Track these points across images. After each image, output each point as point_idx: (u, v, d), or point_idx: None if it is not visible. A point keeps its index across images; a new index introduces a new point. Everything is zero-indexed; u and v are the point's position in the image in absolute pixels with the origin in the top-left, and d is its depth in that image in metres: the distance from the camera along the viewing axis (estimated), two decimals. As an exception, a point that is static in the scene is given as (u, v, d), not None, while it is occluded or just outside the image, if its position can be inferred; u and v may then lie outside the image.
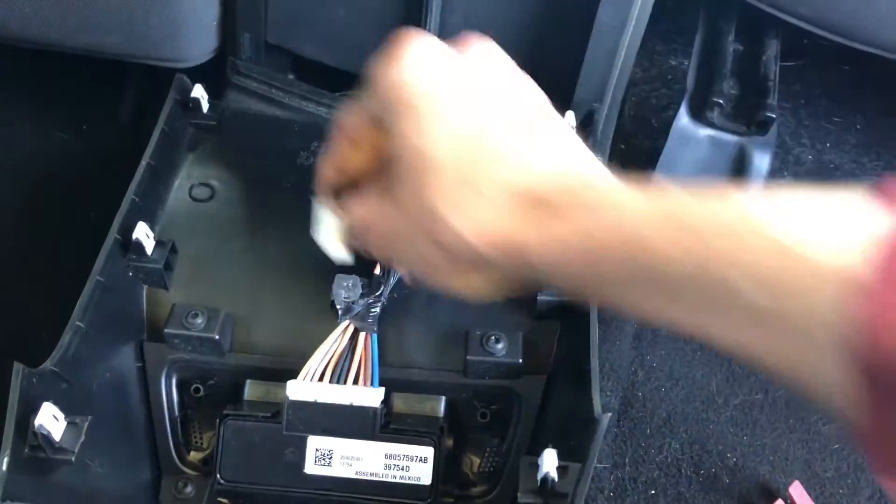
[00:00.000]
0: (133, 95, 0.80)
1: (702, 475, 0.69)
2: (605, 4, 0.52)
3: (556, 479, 0.38)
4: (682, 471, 0.69)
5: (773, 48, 0.79)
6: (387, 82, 0.34)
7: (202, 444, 0.50)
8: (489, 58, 0.36)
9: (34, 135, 0.80)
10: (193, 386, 0.49)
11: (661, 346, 0.76)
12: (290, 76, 0.68)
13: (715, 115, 0.73)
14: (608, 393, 0.72)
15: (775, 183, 0.85)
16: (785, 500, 0.67)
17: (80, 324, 0.44)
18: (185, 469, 0.49)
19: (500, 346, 0.46)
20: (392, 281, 0.48)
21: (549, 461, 0.38)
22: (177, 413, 0.49)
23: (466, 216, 0.32)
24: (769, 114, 0.72)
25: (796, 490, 0.66)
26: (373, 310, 0.47)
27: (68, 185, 0.76)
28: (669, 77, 0.93)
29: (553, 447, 0.39)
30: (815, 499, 0.67)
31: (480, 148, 0.33)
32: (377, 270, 0.48)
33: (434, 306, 0.49)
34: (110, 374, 0.46)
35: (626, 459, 0.69)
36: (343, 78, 0.66)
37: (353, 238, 0.43)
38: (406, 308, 0.49)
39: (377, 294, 0.47)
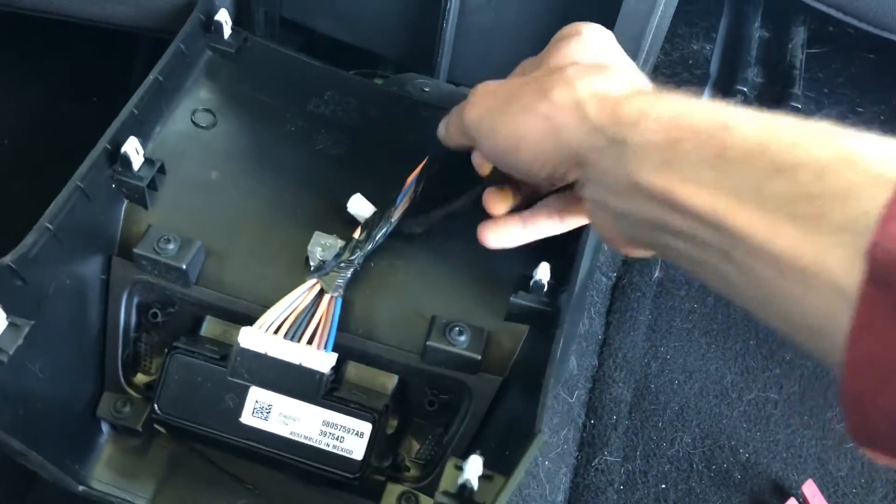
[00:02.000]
0: (144, 68, 0.79)
1: (713, 470, 0.68)
2: (634, -11, 0.51)
3: (476, 488, 0.37)
4: (694, 465, 0.68)
5: (799, 35, 0.77)
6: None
7: (150, 368, 0.49)
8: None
9: (45, 105, 0.79)
10: (152, 311, 0.49)
11: (675, 339, 0.75)
12: (304, 54, 0.66)
13: (738, 102, 0.72)
14: (620, 384, 0.71)
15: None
16: (798, 499, 0.66)
17: (48, 225, 0.43)
18: (129, 389, 0.48)
19: (462, 338, 0.44)
20: (369, 248, 0.46)
21: (472, 468, 0.37)
22: (132, 333, 0.49)
23: (592, 81, 0.36)
24: (794, 103, 0.71)
25: (809, 489, 0.66)
26: (343, 273, 0.45)
27: (78, 157, 0.75)
28: (691, 61, 0.91)
29: (483, 454, 0.38)
30: (827, 498, 0.66)
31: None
32: (356, 234, 0.47)
33: (409, 285, 0.48)
34: (70, 281, 0.45)
35: (637, 453, 0.68)
36: (357, 57, 0.64)
37: (457, 117, 0.43)
38: (381, 280, 0.47)
39: (350, 258, 0.46)
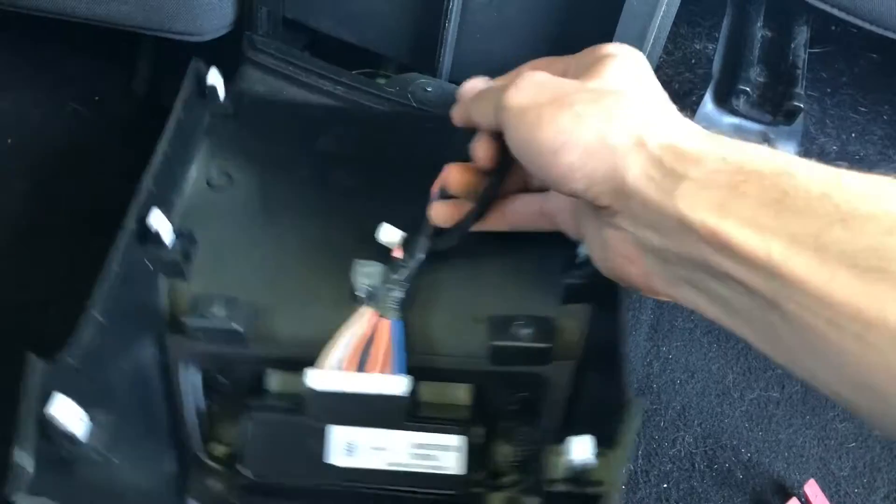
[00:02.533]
0: (147, 68, 0.79)
1: (715, 470, 0.68)
2: (636, -11, 0.51)
3: (591, 467, 0.37)
4: (696, 465, 0.68)
5: (802, 35, 0.77)
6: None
7: (225, 437, 0.49)
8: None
9: (48, 105, 0.79)
10: (215, 377, 0.48)
11: (677, 338, 0.75)
12: (307, 54, 0.66)
13: (740, 102, 0.72)
14: (622, 384, 0.71)
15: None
16: (800, 499, 0.66)
17: (97, 316, 0.42)
18: (210, 462, 0.47)
19: (526, 331, 0.44)
20: (413, 265, 0.46)
21: (580, 448, 0.37)
22: (203, 405, 0.48)
23: (651, 116, 0.35)
24: (796, 103, 0.70)
25: (811, 489, 0.65)
26: (394, 295, 0.45)
27: (81, 156, 0.75)
28: (693, 61, 0.91)
29: (587, 434, 0.38)
30: (829, 497, 0.66)
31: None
32: (396, 253, 0.47)
33: (457, 293, 0.47)
34: (129, 367, 0.45)
35: (639, 452, 0.68)
36: (359, 57, 0.65)
37: (486, 100, 0.42)
38: (428, 295, 0.47)
39: (398, 278, 0.46)
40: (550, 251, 0.47)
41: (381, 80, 0.64)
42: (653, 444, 0.69)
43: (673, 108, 0.38)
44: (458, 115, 0.45)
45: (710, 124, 0.72)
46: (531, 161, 0.38)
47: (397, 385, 0.43)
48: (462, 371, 0.46)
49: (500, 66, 0.61)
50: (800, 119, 0.73)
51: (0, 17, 0.66)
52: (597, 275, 0.43)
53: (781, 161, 0.31)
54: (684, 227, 0.32)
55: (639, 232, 0.35)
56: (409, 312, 0.46)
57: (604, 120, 0.35)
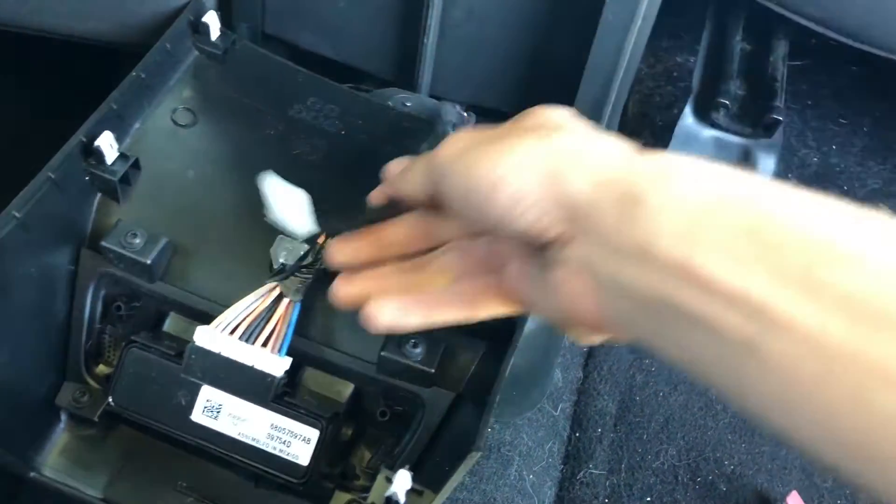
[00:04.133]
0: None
1: (698, 482, 0.68)
2: (611, 3, 0.51)
3: (402, 502, 0.38)
4: (679, 478, 0.68)
5: (781, 48, 0.77)
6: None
7: (112, 360, 0.50)
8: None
9: (31, 122, 0.79)
10: (117, 304, 0.49)
11: (660, 350, 0.75)
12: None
13: (720, 115, 0.72)
14: (605, 397, 0.71)
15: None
16: (782, 511, 0.66)
17: (16, 214, 0.43)
18: (89, 379, 0.49)
19: (417, 350, 0.45)
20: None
21: (400, 482, 0.38)
22: (96, 325, 0.49)
23: (595, 140, 0.32)
24: (776, 116, 0.71)
25: (794, 500, 0.66)
26: (303, 278, 0.46)
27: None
28: (675, 74, 0.91)
29: (430, 468, 0.39)
30: (812, 509, 0.66)
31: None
32: (321, 240, 0.47)
33: None
34: (37, 270, 0.46)
35: (623, 465, 0.68)
36: (340, 72, 0.65)
37: (429, 165, 0.38)
38: None
39: (313, 263, 0.46)
40: None
41: (363, 94, 0.64)
42: (636, 457, 0.68)
43: (614, 139, 0.34)
44: (379, 193, 0.43)
45: (690, 137, 0.73)
46: (471, 206, 0.34)
47: (275, 364, 0.44)
48: (348, 369, 0.47)
49: (479, 80, 0.62)
50: (780, 132, 0.73)
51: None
52: (501, 319, 0.43)
53: (753, 185, 0.28)
54: (646, 255, 0.28)
55: (594, 260, 0.30)
56: (317, 298, 0.47)
57: (539, 145, 0.32)
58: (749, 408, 0.27)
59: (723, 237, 0.26)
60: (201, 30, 0.56)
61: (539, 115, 0.36)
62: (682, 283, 0.27)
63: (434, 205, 0.38)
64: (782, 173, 0.85)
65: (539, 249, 0.33)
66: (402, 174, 0.41)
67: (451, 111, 0.58)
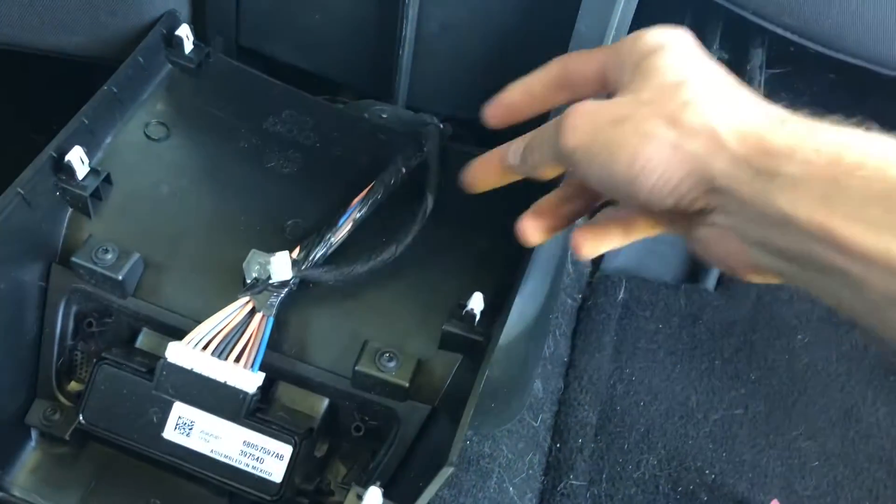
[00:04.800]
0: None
1: (679, 492, 0.68)
2: (584, 15, 0.51)
3: None
4: (660, 488, 0.68)
5: (758, 57, 0.78)
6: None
7: (84, 377, 0.49)
8: None
9: (12, 136, 0.78)
10: (88, 320, 0.49)
11: (640, 360, 0.75)
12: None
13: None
14: (586, 407, 0.71)
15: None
16: (763, 519, 0.66)
17: None
18: (61, 397, 0.48)
19: (391, 364, 0.44)
20: (305, 268, 0.46)
21: (371, 499, 0.38)
22: (68, 342, 0.49)
23: (723, 107, 0.33)
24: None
25: (775, 509, 0.66)
26: (276, 292, 0.45)
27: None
28: (654, 83, 0.92)
29: (406, 483, 0.39)
30: (793, 517, 0.66)
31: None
32: (295, 254, 0.47)
33: (345, 308, 0.48)
34: (6, 286, 0.45)
35: (603, 476, 0.68)
36: (317, 83, 0.65)
37: (546, 138, 0.39)
38: (318, 302, 0.47)
39: (286, 279, 0.46)
40: (450, 295, 0.47)
41: (339, 106, 0.64)
42: (616, 467, 0.68)
43: (744, 90, 0.35)
44: (523, 167, 0.41)
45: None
46: (614, 194, 0.37)
47: (248, 380, 0.44)
48: (322, 384, 0.46)
49: (456, 91, 0.62)
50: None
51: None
52: (476, 332, 0.44)
53: (881, 149, 0.30)
54: (788, 223, 0.30)
55: (739, 226, 0.33)
56: (291, 313, 0.47)
57: (672, 128, 0.33)
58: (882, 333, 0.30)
59: (856, 204, 0.29)
60: (175, 43, 0.55)
61: (659, 68, 0.35)
62: (825, 245, 0.29)
63: None
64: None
65: (688, 216, 0.35)
66: (525, 153, 0.41)
67: (433, 128, 0.58)
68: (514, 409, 0.68)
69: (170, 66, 0.56)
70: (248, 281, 0.46)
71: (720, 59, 0.80)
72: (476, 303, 0.44)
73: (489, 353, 0.44)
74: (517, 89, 0.43)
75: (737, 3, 0.70)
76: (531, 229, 0.42)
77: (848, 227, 0.29)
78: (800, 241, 0.30)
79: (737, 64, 0.79)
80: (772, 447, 0.71)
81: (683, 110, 0.33)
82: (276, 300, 0.46)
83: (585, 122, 0.36)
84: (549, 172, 0.40)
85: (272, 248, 0.47)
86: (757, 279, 0.37)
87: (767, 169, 0.31)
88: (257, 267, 0.46)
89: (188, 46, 0.56)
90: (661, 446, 0.70)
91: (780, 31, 0.71)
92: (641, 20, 0.59)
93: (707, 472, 0.69)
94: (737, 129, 0.32)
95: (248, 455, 0.44)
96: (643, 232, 0.41)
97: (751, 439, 0.71)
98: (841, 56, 0.70)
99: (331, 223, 0.48)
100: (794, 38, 0.71)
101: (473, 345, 0.45)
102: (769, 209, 0.31)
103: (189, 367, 0.44)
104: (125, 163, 0.51)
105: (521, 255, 0.48)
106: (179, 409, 0.44)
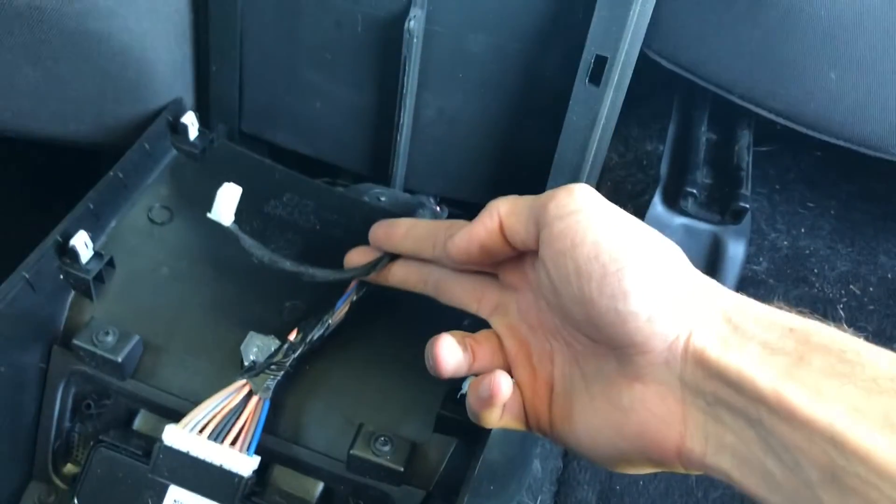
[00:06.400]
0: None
1: (681, 574, 0.67)
2: (575, 105, 0.53)
3: None
4: (661, 569, 0.67)
5: (745, 138, 0.80)
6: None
7: (80, 459, 0.49)
8: None
9: (9, 219, 0.79)
10: (86, 402, 0.49)
11: (638, 437, 0.75)
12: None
13: (689, 204, 0.74)
14: (585, 486, 0.70)
15: (751, 270, 0.86)
16: None
17: None
18: (56, 479, 0.48)
19: (386, 448, 0.44)
20: (302, 351, 0.47)
21: None
22: (66, 423, 0.49)
23: (671, 305, 0.35)
24: (743, 204, 0.73)
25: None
26: (273, 375, 0.46)
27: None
28: (645, 162, 0.93)
29: None
30: None
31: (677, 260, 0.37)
32: (292, 337, 0.47)
33: (341, 390, 0.48)
34: (6, 368, 0.46)
35: (603, 558, 0.67)
36: (316, 167, 0.66)
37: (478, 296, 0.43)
38: (314, 384, 0.48)
39: (283, 360, 0.46)
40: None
41: (339, 189, 0.65)
42: (617, 548, 0.68)
43: (676, 260, 0.37)
44: (466, 243, 0.42)
45: (660, 225, 0.74)
46: (589, 325, 0.37)
47: (243, 464, 0.44)
48: (317, 468, 0.46)
49: (452, 175, 0.63)
50: (747, 218, 0.75)
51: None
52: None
53: (847, 340, 0.32)
54: (744, 384, 0.32)
55: (689, 381, 0.34)
56: (287, 395, 0.47)
57: (672, 272, 0.36)
58: None
59: (813, 379, 0.31)
60: (180, 129, 0.57)
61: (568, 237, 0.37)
62: (773, 413, 0.31)
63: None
64: (754, 257, 0.87)
65: (628, 365, 0.36)
66: (491, 224, 0.42)
67: (429, 210, 0.60)
68: (512, 490, 0.68)
69: (175, 151, 0.57)
70: (246, 363, 0.47)
71: (708, 141, 0.82)
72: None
73: (484, 437, 0.44)
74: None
75: (723, 87, 0.72)
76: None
77: (801, 396, 0.30)
78: (748, 404, 0.32)
79: (724, 145, 0.81)
80: (773, 526, 0.70)
81: (678, 261, 0.37)
82: (272, 383, 0.46)
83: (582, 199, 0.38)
84: (505, 246, 0.42)
85: (270, 331, 0.48)
86: (680, 466, 0.36)
87: (745, 331, 0.34)
88: (255, 349, 0.47)
89: (193, 133, 0.57)
90: (662, 527, 0.69)
91: (766, 114, 0.73)
92: (635, 101, 0.61)
93: (708, 552, 0.68)
94: (725, 293, 0.36)
95: None
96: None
97: (751, 518, 0.70)
98: (825, 137, 0.72)
99: (328, 305, 0.49)
100: (779, 119, 0.73)
101: (468, 429, 0.45)
102: (730, 367, 0.33)
103: (185, 450, 0.44)
104: (128, 246, 0.52)
105: None
106: (175, 493, 0.44)
